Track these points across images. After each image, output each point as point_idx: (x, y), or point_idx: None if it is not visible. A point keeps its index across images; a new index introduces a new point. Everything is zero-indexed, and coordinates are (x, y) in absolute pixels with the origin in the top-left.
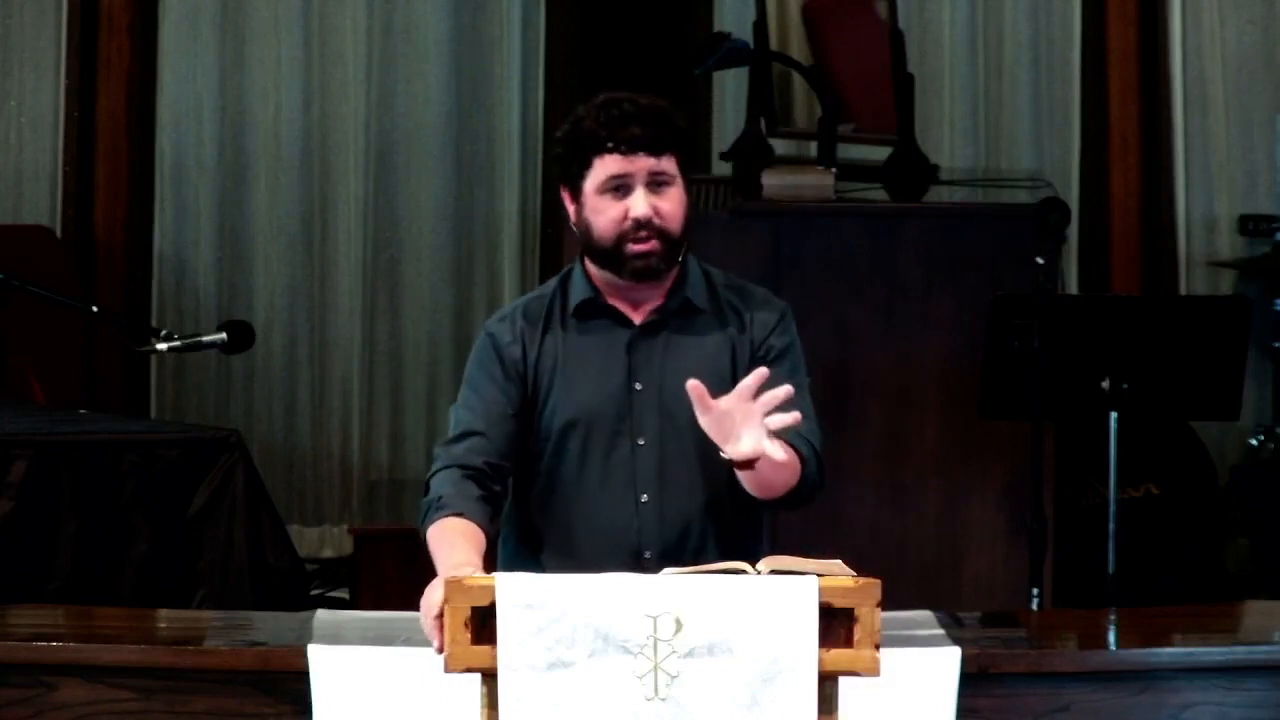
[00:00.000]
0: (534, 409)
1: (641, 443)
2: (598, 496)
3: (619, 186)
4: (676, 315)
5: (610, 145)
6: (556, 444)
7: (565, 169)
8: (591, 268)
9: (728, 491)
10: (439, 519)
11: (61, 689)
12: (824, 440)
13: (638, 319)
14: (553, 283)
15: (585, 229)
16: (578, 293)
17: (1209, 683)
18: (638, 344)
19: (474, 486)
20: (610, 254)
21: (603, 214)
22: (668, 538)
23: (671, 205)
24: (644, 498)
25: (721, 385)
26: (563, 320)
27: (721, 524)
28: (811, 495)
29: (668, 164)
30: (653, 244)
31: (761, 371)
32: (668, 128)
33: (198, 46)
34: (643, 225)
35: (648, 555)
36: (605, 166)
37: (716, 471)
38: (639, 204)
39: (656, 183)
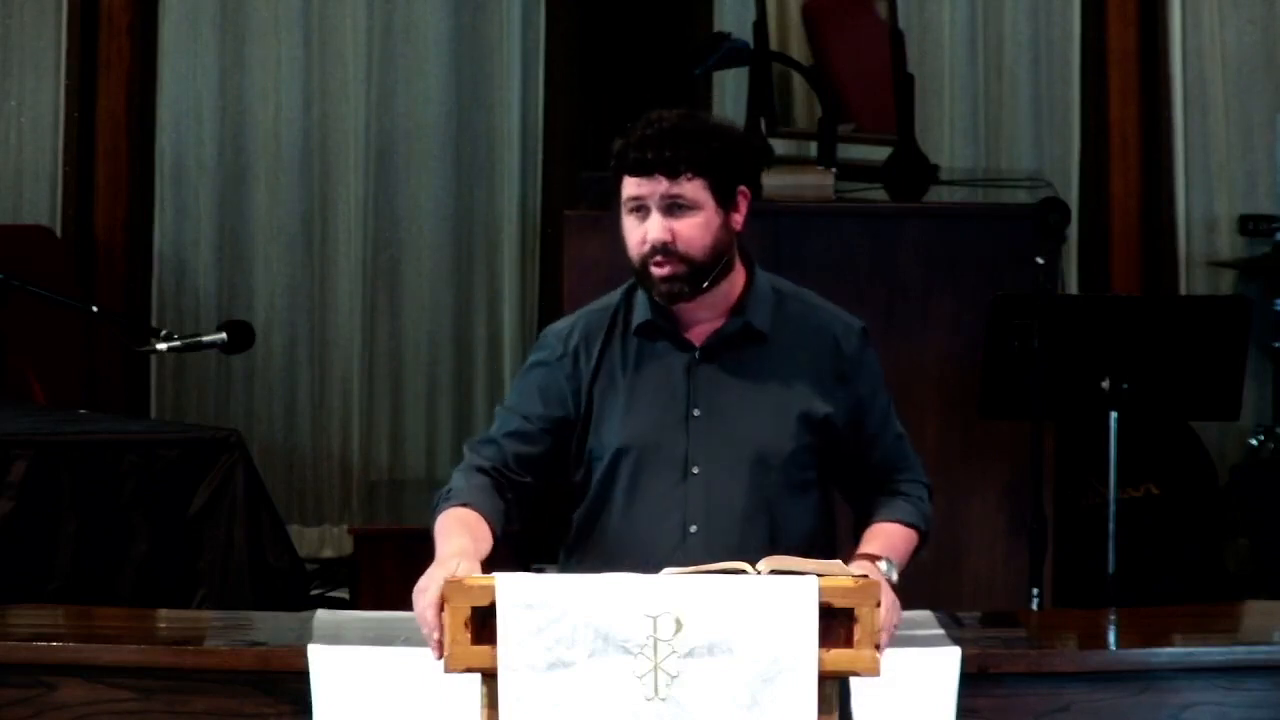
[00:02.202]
0: (585, 427)
1: (695, 471)
2: (646, 523)
3: (639, 207)
4: (738, 339)
5: (630, 167)
6: (609, 466)
7: (611, 179)
8: None
9: (785, 527)
10: (446, 508)
11: (61, 689)
12: (921, 461)
13: (698, 341)
14: (619, 293)
15: (624, 245)
16: (640, 311)
17: (1209, 683)
18: (697, 369)
19: (488, 484)
20: (639, 274)
21: (628, 234)
22: None
23: (691, 230)
24: (693, 528)
25: (783, 414)
26: (624, 337)
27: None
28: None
29: (688, 188)
30: (670, 268)
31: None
32: (691, 150)
33: (198, 46)
34: (658, 250)
35: None
36: (627, 187)
37: (771, 504)
38: (653, 228)
39: (675, 206)
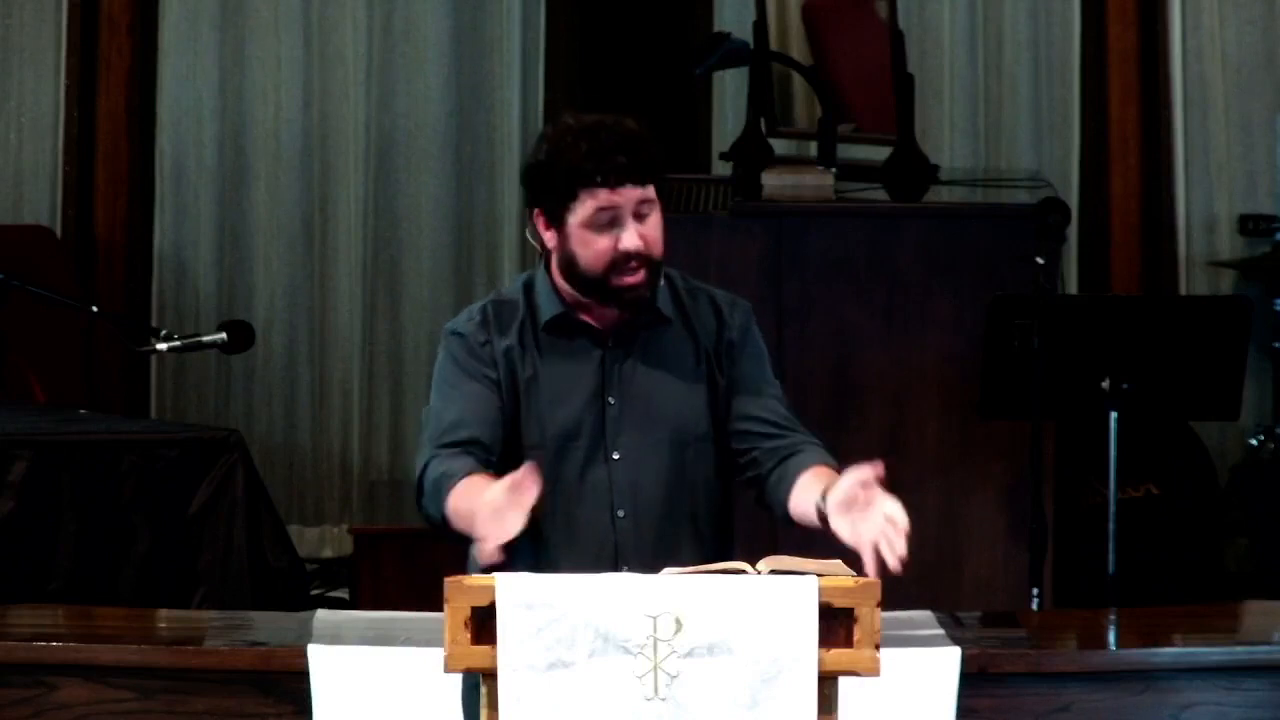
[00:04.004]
0: (511, 419)
1: (616, 458)
2: (574, 513)
3: (611, 220)
4: (646, 327)
5: (599, 180)
6: (533, 460)
7: (543, 196)
8: (562, 284)
9: (703, 505)
10: (456, 484)
11: (61, 689)
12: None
13: (608, 333)
14: (515, 289)
15: (569, 259)
16: (547, 306)
17: (1209, 683)
18: (610, 359)
19: (478, 465)
20: (597, 284)
21: (590, 246)
22: (645, 552)
23: (655, 232)
24: (620, 513)
25: (694, 396)
26: (535, 333)
27: (699, 537)
28: None
29: (651, 191)
30: (642, 273)
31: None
32: (650, 155)
33: (198, 46)
34: (633, 257)
35: (626, 570)
36: (595, 200)
37: (691, 485)
38: (631, 238)
39: (642, 212)
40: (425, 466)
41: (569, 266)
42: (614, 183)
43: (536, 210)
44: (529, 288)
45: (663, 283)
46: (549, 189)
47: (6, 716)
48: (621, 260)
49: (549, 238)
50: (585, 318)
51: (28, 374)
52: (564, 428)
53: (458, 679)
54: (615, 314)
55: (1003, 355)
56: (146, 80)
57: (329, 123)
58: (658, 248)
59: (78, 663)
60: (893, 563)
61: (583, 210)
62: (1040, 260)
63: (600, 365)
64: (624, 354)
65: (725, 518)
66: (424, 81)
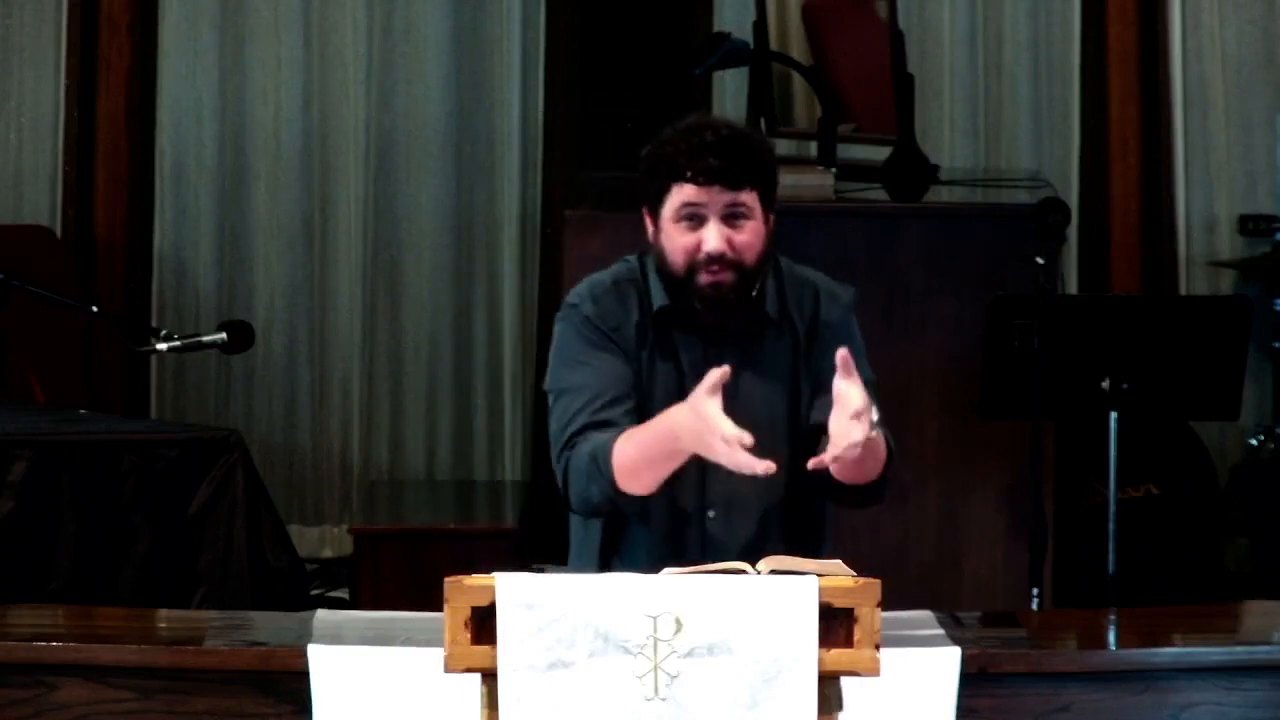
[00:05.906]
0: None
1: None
2: (665, 508)
3: (693, 216)
4: (749, 326)
5: (689, 174)
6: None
7: (645, 190)
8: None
9: (791, 505)
10: (613, 445)
11: (61, 689)
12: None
13: (711, 330)
14: (631, 269)
15: (660, 252)
16: (657, 294)
17: (1209, 683)
18: (712, 356)
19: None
20: (681, 281)
21: (675, 240)
22: (730, 556)
23: (747, 238)
24: (711, 513)
25: (789, 396)
26: (648, 318)
27: (786, 538)
28: (881, 494)
29: (746, 197)
30: (724, 276)
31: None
32: (749, 160)
33: (198, 46)
34: (715, 259)
35: None
36: (682, 194)
37: (781, 486)
38: (712, 238)
39: (733, 215)
40: (568, 464)
41: (661, 261)
42: (702, 181)
43: (643, 204)
44: (642, 270)
45: (770, 276)
46: (649, 180)
47: (6, 716)
48: (704, 261)
49: (651, 232)
50: (694, 312)
51: (28, 374)
52: None
53: (458, 679)
54: (710, 314)
55: (1003, 355)
56: (146, 80)
57: (329, 123)
58: (748, 254)
59: (78, 663)
60: (828, 455)
61: (671, 204)
62: (1040, 260)
63: (703, 362)
64: (726, 351)
65: (813, 518)
66: (424, 81)
